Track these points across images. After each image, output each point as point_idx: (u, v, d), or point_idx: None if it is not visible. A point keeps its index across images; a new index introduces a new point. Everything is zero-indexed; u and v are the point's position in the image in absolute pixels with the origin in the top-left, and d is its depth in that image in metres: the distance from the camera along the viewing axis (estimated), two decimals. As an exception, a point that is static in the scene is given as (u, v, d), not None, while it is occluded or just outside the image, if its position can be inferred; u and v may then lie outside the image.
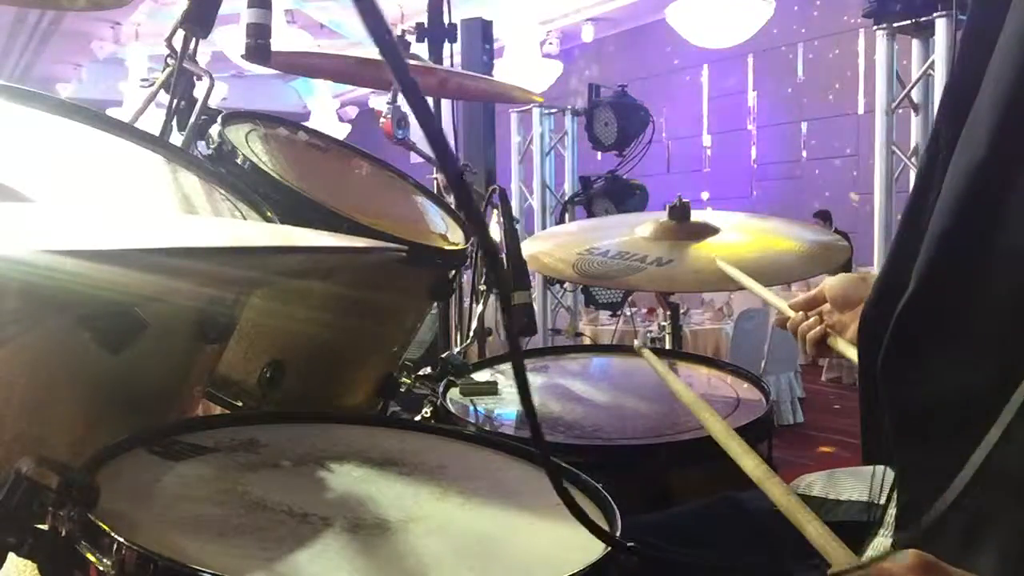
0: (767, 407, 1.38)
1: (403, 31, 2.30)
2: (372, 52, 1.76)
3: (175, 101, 1.29)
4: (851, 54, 9.10)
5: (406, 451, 0.94)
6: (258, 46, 1.34)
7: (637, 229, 1.77)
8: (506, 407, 1.38)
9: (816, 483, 1.07)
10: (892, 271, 0.77)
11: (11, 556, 0.62)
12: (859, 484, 1.03)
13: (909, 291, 0.69)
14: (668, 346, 2.10)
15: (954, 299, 0.68)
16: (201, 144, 1.22)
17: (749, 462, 0.76)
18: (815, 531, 0.66)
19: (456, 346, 1.94)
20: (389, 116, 1.76)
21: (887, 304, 0.72)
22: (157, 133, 1.21)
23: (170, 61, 1.31)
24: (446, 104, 2.56)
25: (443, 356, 1.46)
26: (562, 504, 0.63)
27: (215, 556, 0.64)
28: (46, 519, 0.63)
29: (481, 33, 5.26)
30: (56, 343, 0.73)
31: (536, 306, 4.95)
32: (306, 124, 1.76)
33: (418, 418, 1.31)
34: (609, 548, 0.69)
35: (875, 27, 4.21)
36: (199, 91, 1.30)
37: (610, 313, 5.70)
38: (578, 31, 10.48)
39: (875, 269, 3.97)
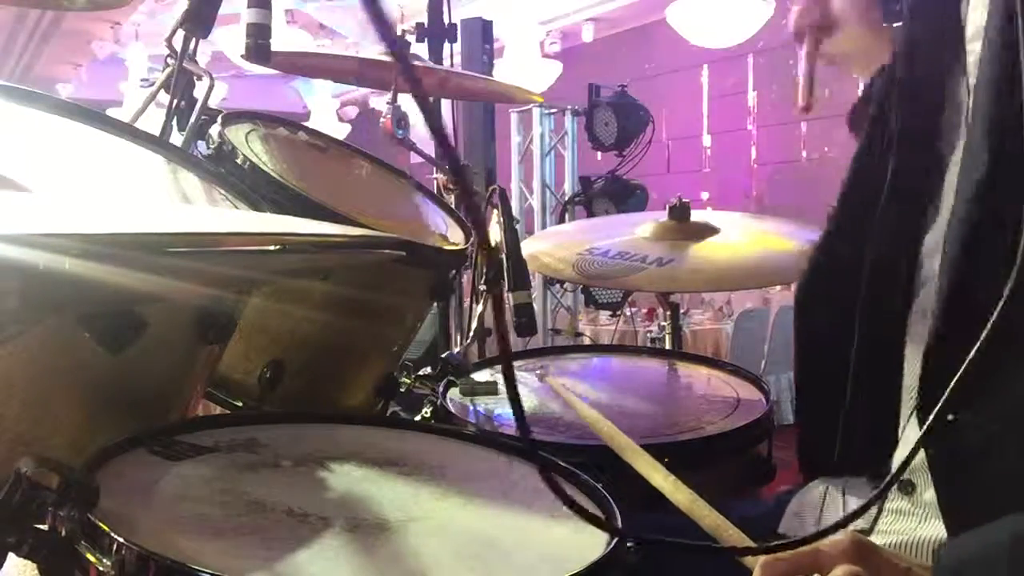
0: (767, 407, 1.38)
1: (403, 31, 2.30)
2: (372, 52, 1.77)
3: (175, 101, 1.29)
4: (851, 54, 9.08)
5: (406, 451, 0.94)
6: (258, 46, 1.33)
7: (637, 229, 1.77)
8: (506, 407, 1.38)
9: None
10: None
11: (11, 556, 0.63)
12: None
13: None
14: (668, 346, 2.09)
15: None
16: (201, 144, 1.22)
17: (657, 476, 0.89)
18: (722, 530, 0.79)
19: (456, 346, 1.93)
20: (389, 116, 1.76)
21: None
22: (157, 133, 1.21)
23: (170, 61, 1.30)
24: (446, 104, 2.55)
25: (443, 356, 1.46)
26: (561, 504, 0.63)
27: (215, 556, 0.64)
28: (46, 519, 0.63)
29: (481, 33, 5.24)
30: (56, 343, 0.73)
31: (536, 306, 4.94)
32: (306, 124, 1.76)
33: (418, 418, 1.31)
34: (614, 541, 0.70)
35: (875, 27, 4.21)
36: (199, 91, 1.30)
37: (610, 313, 5.69)
38: (578, 31, 10.45)
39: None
